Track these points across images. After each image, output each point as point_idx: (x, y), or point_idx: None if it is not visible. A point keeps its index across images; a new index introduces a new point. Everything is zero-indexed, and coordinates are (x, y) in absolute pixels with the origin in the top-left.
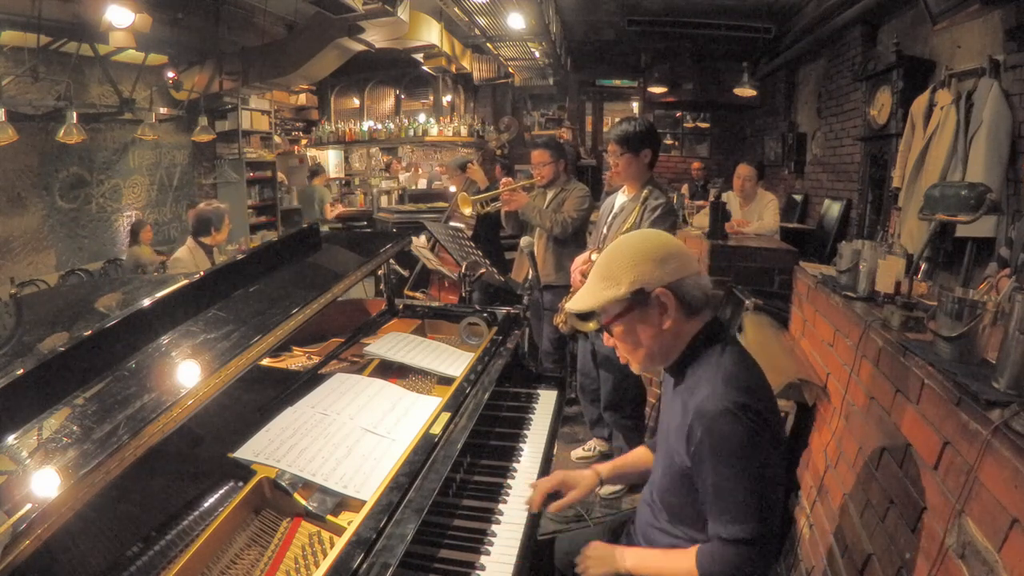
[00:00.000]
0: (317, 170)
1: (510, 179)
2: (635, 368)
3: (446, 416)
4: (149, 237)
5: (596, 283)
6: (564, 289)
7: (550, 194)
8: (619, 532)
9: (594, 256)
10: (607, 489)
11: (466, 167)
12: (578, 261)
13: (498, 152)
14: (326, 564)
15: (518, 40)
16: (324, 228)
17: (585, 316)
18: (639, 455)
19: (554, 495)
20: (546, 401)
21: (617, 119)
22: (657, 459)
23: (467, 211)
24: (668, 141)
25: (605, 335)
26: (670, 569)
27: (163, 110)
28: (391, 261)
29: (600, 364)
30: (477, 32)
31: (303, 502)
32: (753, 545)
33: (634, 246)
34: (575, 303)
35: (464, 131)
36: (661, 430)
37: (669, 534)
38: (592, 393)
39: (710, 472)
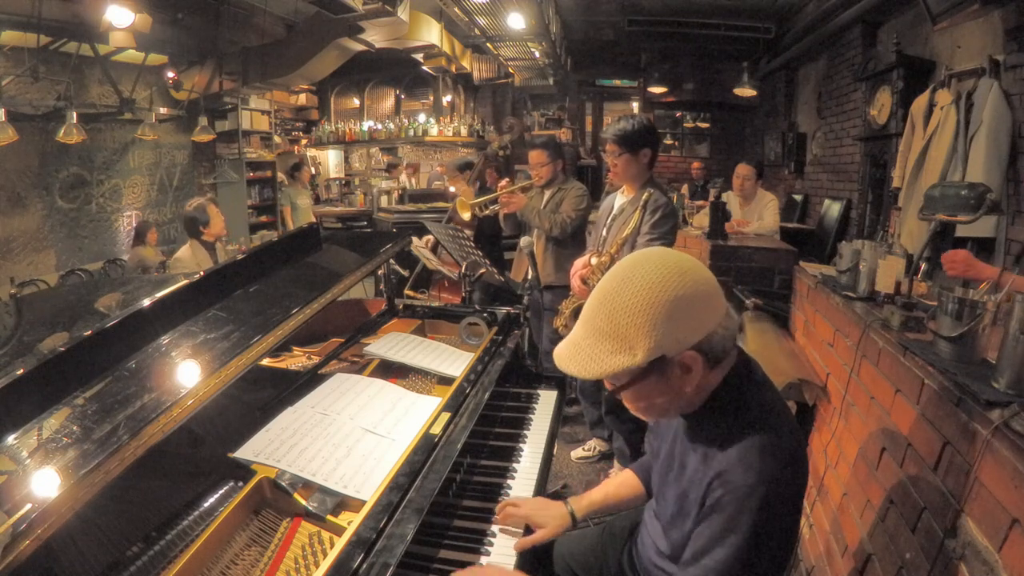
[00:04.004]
0: (298, 166)
1: (508, 180)
2: (645, 419)
3: (446, 416)
4: (155, 239)
5: (600, 342)
6: (564, 289)
7: (548, 194)
8: (620, 536)
9: (594, 260)
10: None
11: (466, 168)
12: (578, 264)
13: (500, 153)
14: (326, 564)
15: (518, 40)
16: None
17: None
18: (621, 485)
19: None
20: (546, 401)
21: (615, 119)
22: (664, 496)
23: (466, 216)
24: (668, 141)
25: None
26: None
27: (163, 110)
28: (391, 261)
29: None
30: (477, 32)
31: (303, 502)
32: None
33: (646, 295)
34: (571, 363)
35: (464, 131)
36: (670, 463)
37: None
38: (593, 394)
39: (712, 537)
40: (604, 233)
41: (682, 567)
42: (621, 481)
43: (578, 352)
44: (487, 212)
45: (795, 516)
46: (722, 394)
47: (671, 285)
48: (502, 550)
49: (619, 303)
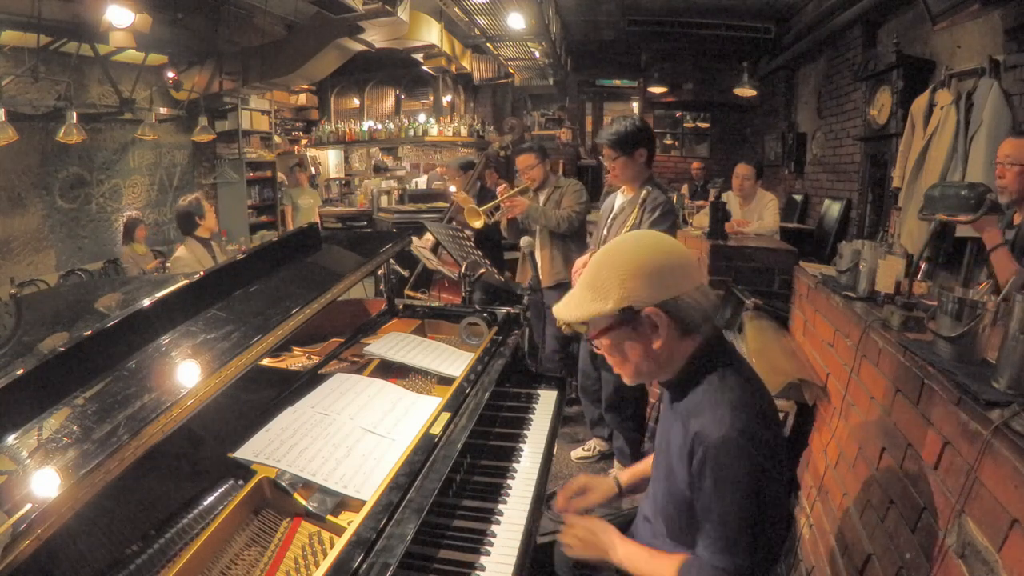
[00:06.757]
0: (298, 166)
1: (507, 186)
2: (626, 380)
3: (446, 416)
4: (143, 235)
5: (584, 292)
6: (567, 287)
7: (543, 196)
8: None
9: None
10: None
11: (468, 167)
12: (578, 263)
13: (501, 154)
14: (326, 564)
15: (518, 40)
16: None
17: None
18: None
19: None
20: (546, 401)
21: (611, 120)
22: (656, 476)
23: (478, 224)
24: (668, 141)
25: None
26: (652, 573)
27: (163, 110)
28: (391, 261)
29: (601, 364)
30: (477, 32)
31: (303, 502)
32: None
33: (626, 256)
34: (561, 309)
35: (464, 131)
36: (660, 447)
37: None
38: (593, 393)
39: (708, 497)
40: (605, 232)
41: (701, 532)
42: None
43: (568, 300)
44: (496, 218)
45: (776, 466)
46: (697, 363)
47: (645, 251)
48: (502, 550)
49: (604, 263)
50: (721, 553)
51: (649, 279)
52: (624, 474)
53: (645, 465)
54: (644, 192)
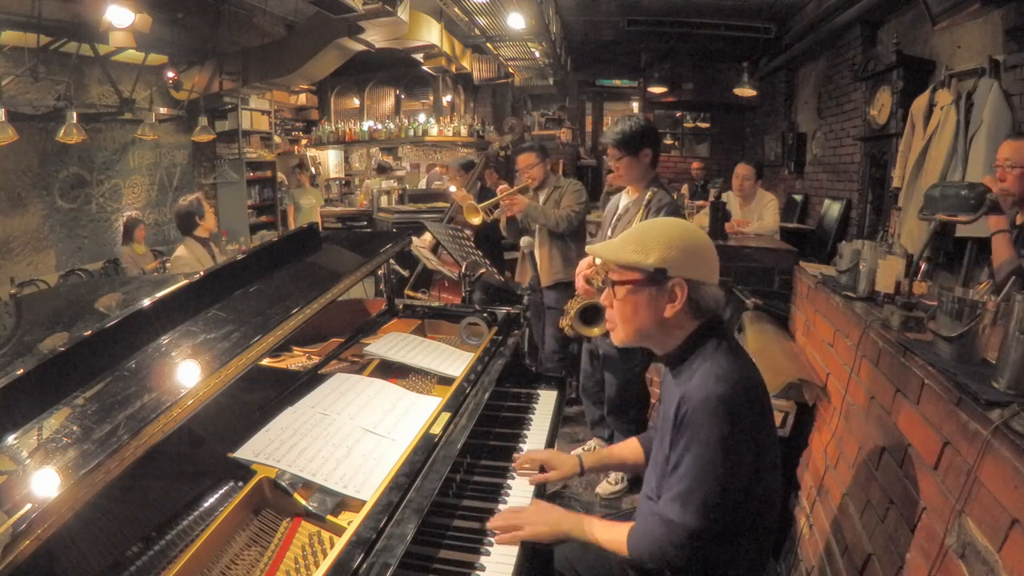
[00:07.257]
0: (300, 167)
1: (506, 185)
2: (617, 337)
3: (446, 416)
4: (143, 235)
5: (628, 243)
6: (567, 287)
7: (543, 195)
8: None
9: (599, 260)
10: (607, 489)
11: (469, 167)
12: (582, 265)
13: (501, 154)
14: (326, 564)
15: (518, 40)
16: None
17: (589, 321)
18: (627, 448)
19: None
20: (546, 401)
21: (614, 119)
22: (655, 458)
23: (476, 221)
24: (668, 141)
25: (604, 295)
26: (608, 536)
27: (163, 110)
28: (391, 261)
29: (603, 366)
30: (477, 32)
31: (303, 502)
32: (683, 533)
33: (676, 231)
34: (600, 248)
35: (464, 131)
36: (661, 424)
37: None
38: (595, 394)
39: (679, 453)
40: (608, 233)
41: (662, 485)
42: (626, 445)
43: (610, 243)
44: (495, 215)
45: (751, 430)
46: (695, 339)
47: (693, 233)
48: (502, 550)
49: (653, 227)
50: (674, 503)
51: (689, 255)
52: (589, 456)
53: (613, 450)
54: (649, 193)
